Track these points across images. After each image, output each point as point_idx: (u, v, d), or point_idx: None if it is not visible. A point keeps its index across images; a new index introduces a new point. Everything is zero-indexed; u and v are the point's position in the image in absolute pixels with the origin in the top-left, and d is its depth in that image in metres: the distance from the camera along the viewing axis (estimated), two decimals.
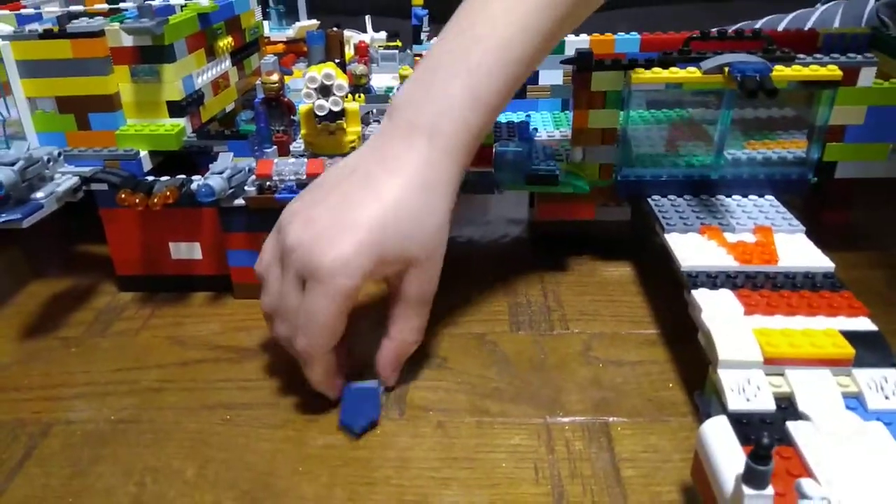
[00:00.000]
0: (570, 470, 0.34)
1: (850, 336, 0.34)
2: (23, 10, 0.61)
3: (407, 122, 0.37)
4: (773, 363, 0.33)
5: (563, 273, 0.51)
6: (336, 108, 0.46)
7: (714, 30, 0.47)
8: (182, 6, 0.55)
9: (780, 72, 0.43)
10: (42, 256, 0.56)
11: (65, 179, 0.44)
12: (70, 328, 0.47)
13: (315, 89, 0.46)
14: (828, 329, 0.35)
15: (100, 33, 0.48)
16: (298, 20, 0.80)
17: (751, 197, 0.48)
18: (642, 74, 0.44)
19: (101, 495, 0.33)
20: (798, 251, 0.41)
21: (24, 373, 0.42)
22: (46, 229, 0.58)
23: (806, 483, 0.26)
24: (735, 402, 0.32)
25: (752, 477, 0.25)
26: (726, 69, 0.42)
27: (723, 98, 0.45)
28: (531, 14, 0.38)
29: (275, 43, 0.77)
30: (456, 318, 0.46)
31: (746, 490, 0.25)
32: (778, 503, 0.25)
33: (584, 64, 0.46)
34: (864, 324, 0.36)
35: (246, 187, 0.45)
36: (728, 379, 0.33)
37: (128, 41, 0.49)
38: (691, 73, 0.44)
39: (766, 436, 0.25)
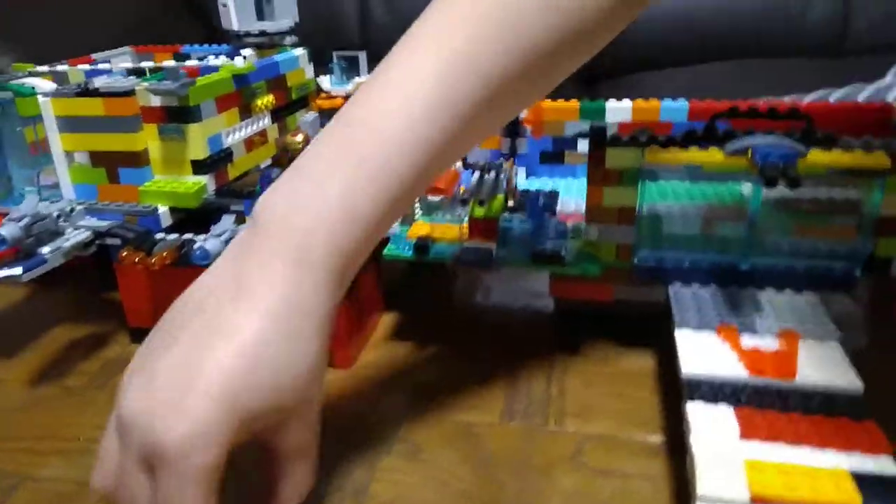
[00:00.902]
0: None
1: (863, 480, 0.29)
2: (94, 66, 0.65)
3: (273, 240, 0.30)
4: (762, 502, 0.29)
5: (574, 358, 0.47)
6: None
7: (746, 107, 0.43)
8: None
9: (817, 157, 0.38)
10: (76, 301, 0.58)
11: (75, 234, 0.46)
12: (75, 377, 0.48)
13: None
14: (836, 469, 0.30)
15: (130, 93, 0.50)
16: (359, 75, 0.82)
17: (787, 292, 0.42)
18: (658, 154, 0.40)
19: None
20: (823, 365, 0.36)
21: (21, 421, 0.43)
22: (82, 277, 0.61)
23: None
24: None
25: None
26: (750, 152, 0.38)
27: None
28: (445, 83, 0.32)
29: (334, 97, 0.78)
30: (445, 399, 0.43)
31: None
32: None
33: (598, 139, 0.43)
34: (884, 465, 0.30)
35: None
36: None
37: (156, 101, 0.50)
38: (712, 154, 0.40)
39: None
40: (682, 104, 0.55)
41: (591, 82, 1.72)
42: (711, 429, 0.32)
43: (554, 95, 0.57)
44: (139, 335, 0.51)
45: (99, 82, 0.52)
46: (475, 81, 0.32)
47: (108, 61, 0.69)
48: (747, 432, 0.32)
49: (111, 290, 0.58)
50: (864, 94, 0.68)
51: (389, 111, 0.32)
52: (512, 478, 0.37)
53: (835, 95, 0.71)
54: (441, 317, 0.54)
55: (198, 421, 0.27)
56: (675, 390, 0.42)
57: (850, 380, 0.35)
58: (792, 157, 0.37)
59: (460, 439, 0.40)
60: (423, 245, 0.45)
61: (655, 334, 0.48)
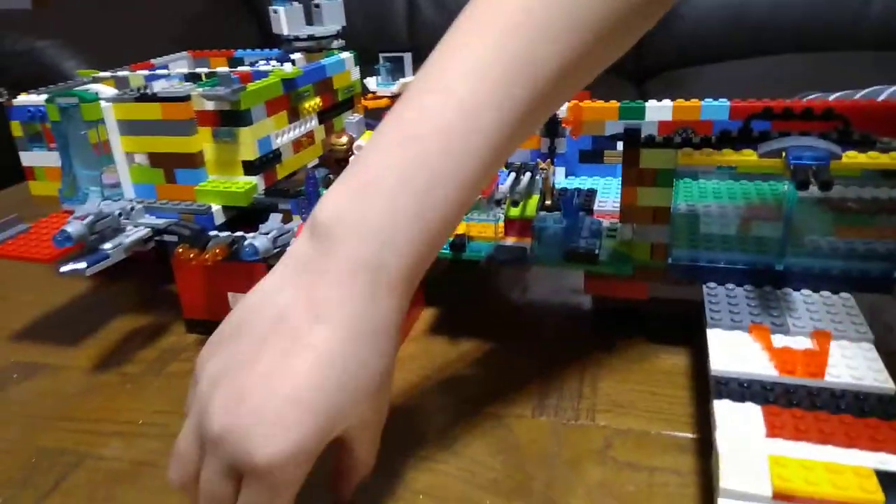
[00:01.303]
0: None
1: (887, 478, 0.29)
2: (152, 70, 0.68)
3: (345, 256, 0.31)
4: (784, 499, 0.29)
5: (609, 355, 0.48)
6: None
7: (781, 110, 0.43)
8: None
9: (853, 158, 0.38)
10: (136, 293, 0.62)
11: (134, 232, 0.49)
12: (132, 365, 0.51)
13: None
14: (860, 467, 0.30)
15: (186, 98, 0.53)
16: (405, 76, 0.84)
17: (823, 293, 0.42)
18: (692, 156, 0.41)
19: None
20: (855, 365, 0.36)
21: (81, 405, 0.47)
22: (142, 271, 0.64)
23: None
24: None
25: None
26: (784, 154, 0.38)
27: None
28: (504, 85, 0.31)
29: (379, 98, 0.81)
30: (479, 392, 0.45)
31: None
32: None
33: (632, 139, 0.43)
34: None
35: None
36: None
37: (209, 105, 0.53)
38: (746, 155, 0.40)
39: None
40: (723, 103, 0.55)
41: (641, 80, 1.71)
42: (738, 426, 0.33)
43: (604, 94, 0.58)
44: (194, 326, 0.54)
45: (157, 87, 0.55)
46: (528, 81, 0.32)
47: (167, 66, 0.72)
48: (773, 430, 0.32)
49: (169, 284, 0.61)
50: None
51: (455, 117, 0.32)
52: (540, 469, 0.38)
53: (888, 92, 0.69)
54: (478, 313, 0.55)
55: (296, 439, 0.28)
56: (706, 389, 0.43)
57: (881, 380, 0.35)
58: (824, 159, 0.37)
59: (492, 431, 0.41)
60: (459, 243, 0.46)
61: (690, 333, 0.48)
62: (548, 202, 0.51)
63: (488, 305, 0.57)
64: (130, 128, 0.54)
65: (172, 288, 0.60)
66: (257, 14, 1.87)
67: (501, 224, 0.47)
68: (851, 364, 0.36)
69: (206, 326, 0.54)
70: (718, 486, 0.30)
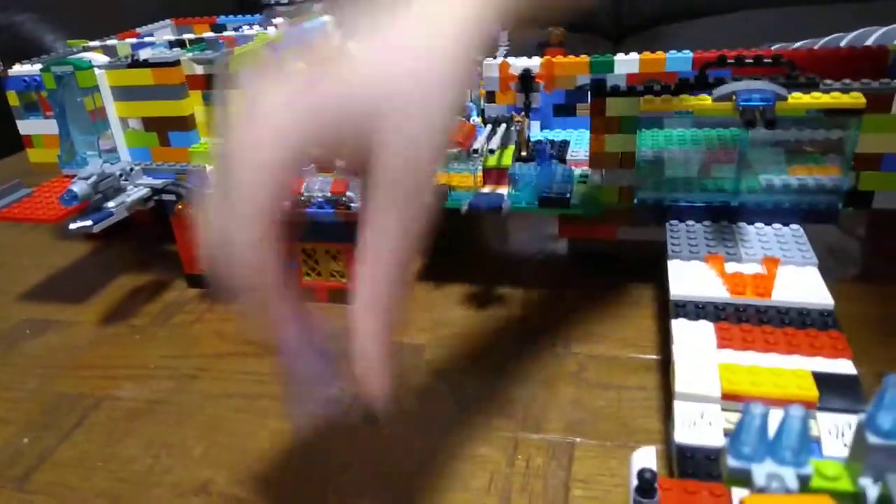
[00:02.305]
0: (521, 484, 0.35)
1: (823, 378, 0.33)
2: (139, 39, 0.70)
3: None
4: (731, 399, 0.33)
5: (583, 290, 0.52)
6: None
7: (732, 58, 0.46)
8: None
9: (798, 99, 0.42)
10: (136, 254, 0.65)
11: (135, 191, 0.52)
12: (139, 317, 0.54)
13: None
14: (799, 370, 0.34)
15: (176, 63, 0.55)
16: None
17: (775, 225, 0.46)
18: (652, 102, 0.44)
19: (124, 462, 0.39)
20: (800, 286, 0.40)
21: (94, 354, 0.50)
22: (143, 232, 0.67)
23: None
24: (683, 436, 0.32)
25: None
26: (734, 97, 0.42)
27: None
28: None
29: None
30: (466, 328, 0.49)
31: None
32: None
33: (598, 90, 0.46)
34: (843, 366, 0.34)
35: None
36: (682, 411, 0.34)
37: (199, 70, 0.55)
38: (702, 100, 0.43)
39: (649, 470, 0.26)
40: (686, 55, 0.58)
41: (619, 39, 1.73)
42: (692, 340, 0.37)
43: (582, 52, 0.61)
44: (194, 281, 0.57)
45: (145, 54, 0.57)
46: None
47: (152, 34, 0.74)
48: (723, 342, 0.36)
49: (167, 244, 0.64)
50: (873, 37, 0.69)
51: None
52: (520, 388, 0.42)
53: (846, 39, 0.73)
54: (459, 260, 0.59)
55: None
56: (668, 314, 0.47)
57: (822, 297, 0.39)
58: (770, 100, 0.40)
59: (479, 359, 0.45)
60: (441, 192, 0.50)
61: (656, 270, 0.52)
62: (523, 153, 0.54)
63: (469, 253, 0.60)
64: (124, 94, 0.56)
65: (171, 248, 0.63)
66: None
67: (480, 174, 0.51)
68: (796, 285, 0.40)
69: (205, 282, 0.57)
70: (674, 390, 0.34)
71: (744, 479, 0.18)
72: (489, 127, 0.52)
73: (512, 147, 0.52)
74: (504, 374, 0.44)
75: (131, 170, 0.52)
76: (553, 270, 0.56)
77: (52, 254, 0.66)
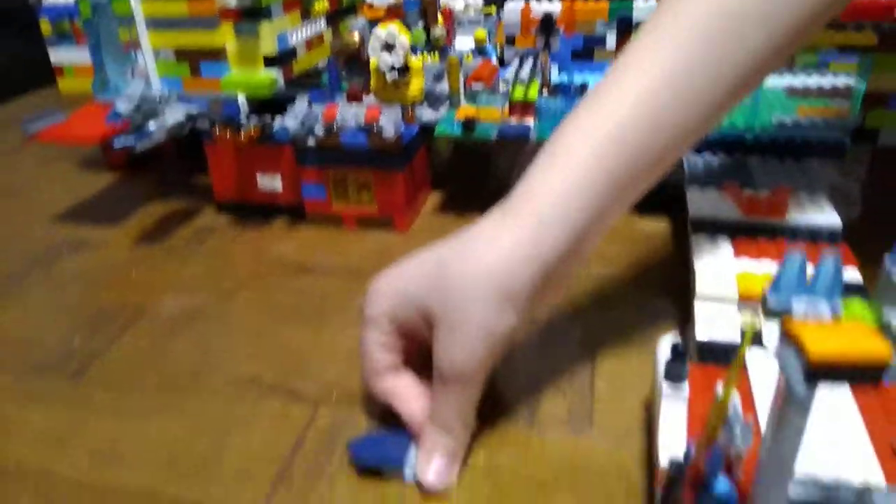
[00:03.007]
0: (550, 376, 0.38)
1: None
2: None
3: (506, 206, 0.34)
4: (748, 300, 0.36)
5: None
6: (396, 64, 0.52)
7: None
8: None
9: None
10: (163, 184, 0.67)
11: (173, 114, 0.54)
12: (173, 240, 0.56)
13: (380, 45, 0.53)
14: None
15: None
16: None
17: (786, 160, 0.49)
18: None
19: (174, 361, 0.42)
20: (810, 209, 0.43)
21: (131, 270, 0.52)
22: (166, 164, 0.69)
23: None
24: (703, 333, 0.35)
25: (670, 373, 0.29)
26: None
27: None
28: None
29: (376, 9, 0.84)
30: None
31: (665, 385, 0.29)
32: (694, 396, 0.29)
33: (624, 28, 0.49)
34: (851, 274, 0.37)
35: (316, 129, 0.53)
36: (702, 311, 0.36)
37: (232, 2, 0.57)
38: None
39: (680, 343, 0.29)
40: None
41: None
42: (710, 250, 0.40)
43: None
44: (225, 208, 0.59)
45: None
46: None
47: None
48: (739, 252, 0.39)
49: (192, 175, 0.67)
50: None
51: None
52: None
53: None
54: (479, 193, 0.61)
55: (379, 283, 0.35)
56: (683, 245, 0.50)
57: (832, 218, 0.42)
58: None
59: None
60: (469, 123, 0.52)
61: (672, 205, 0.55)
62: (546, 90, 0.56)
63: (488, 187, 0.63)
64: (158, 23, 0.58)
65: (196, 179, 0.65)
66: None
67: (506, 108, 0.53)
68: (807, 209, 0.43)
69: (236, 208, 0.59)
70: (695, 292, 0.37)
71: (783, 313, 0.20)
72: (517, 60, 0.54)
73: (536, 82, 0.54)
74: None
75: (169, 94, 0.54)
76: None
77: (78, 183, 0.68)
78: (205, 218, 0.59)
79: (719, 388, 0.29)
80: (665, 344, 0.33)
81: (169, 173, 0.68)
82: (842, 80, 0.54)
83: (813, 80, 0.55)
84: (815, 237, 0.40)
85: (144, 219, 0.60)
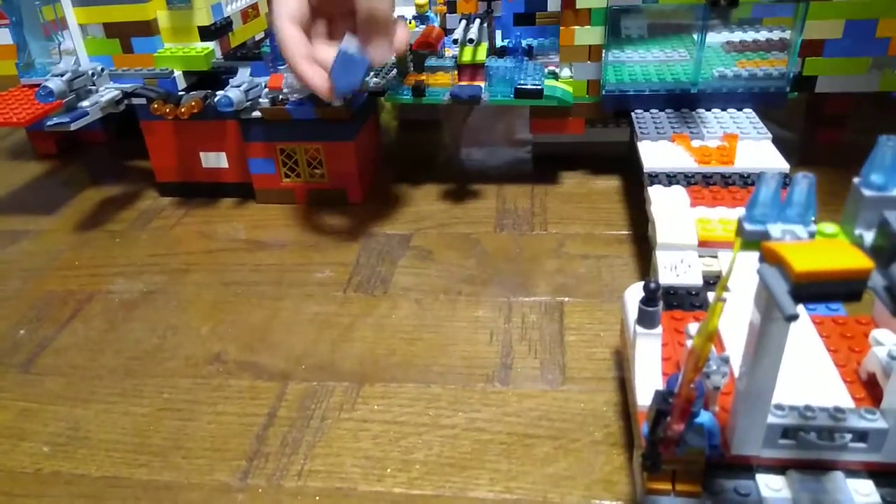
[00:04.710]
0: (520, 335, 0.38)
1: None
2: None
3: None
4: (707, 246, 0.37)
5: (554, 185, 0.55)
6: None
7: None
8: None
9: None
10: (97, 170, 0.64)
11: (107, 92, 0.51)
12: (115, 223, 0.54)
13: None
14: None
15: None
16: None
17: (729, 110, 0.50)
18: None
19: (130, 343, 0.40)
20: (758, 155, 0.44)
21: (74, 256, 0.50)
22: (101, 148, 0.66)
23: (692, 326, 0.30)
24: (666, 278, 0.36)
25: (643, 317, 0.29)
26: None
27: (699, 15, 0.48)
28: None
29: None
30: (448, 220, 0.51)
31: (639, 329, 0.30)
32: (665, 339, 0.30)
33: None
34: None
35: (260, 100, 0.51)
36: (664, 259, 0.37)
37: None
38: None
39: (653, 281, 0.29)
40: None
41: None
42: (667, 200, 0.40)
43: None
44: (167, 189, 0.57)
45: None
46: None
47: None
48: (695, 201, 0.40)
49: (127, 160, 0.64)
50: None
51: None
52: (507, 264, 0.45)
53: None
54: (432, 164, 0.61)
55: None
56: (640, 199, 0.51)
57: (780, 162, 0.43)
58: None
59: (462, 244, 0.48)
60: (419, 87, 0.51)
61: (621, 165, 0.56)
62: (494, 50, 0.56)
63: (439, 158, 0.62)
64: None
65: (132, 163, 0.63)
66: None
67: (455, 73, 0.52)
68: (755, 154, 0.44)
69: (179, 189, 0.57)
70: (655, 242, 0.38)
71: (760, 239, 0.21)
72: (464, 22, 0.53)
73: (484, 45, 0.53)
74: (487, 253, 0.47)
75: (102, 69, 0.51)
76: (522, 169, 0.59)
77: (5, 172, 0.64)
78: (146, 201, 0.57)
79: (691, 329, 0.30)
80: (632, 292, 0.34)
81: (102, 159, 0.65)
82: (776, 34, 0.55)
83: (748, 35, 0.56)
84: None
85: (82, 205, 0.57)
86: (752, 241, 0.21)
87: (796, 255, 0.19)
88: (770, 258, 0.20)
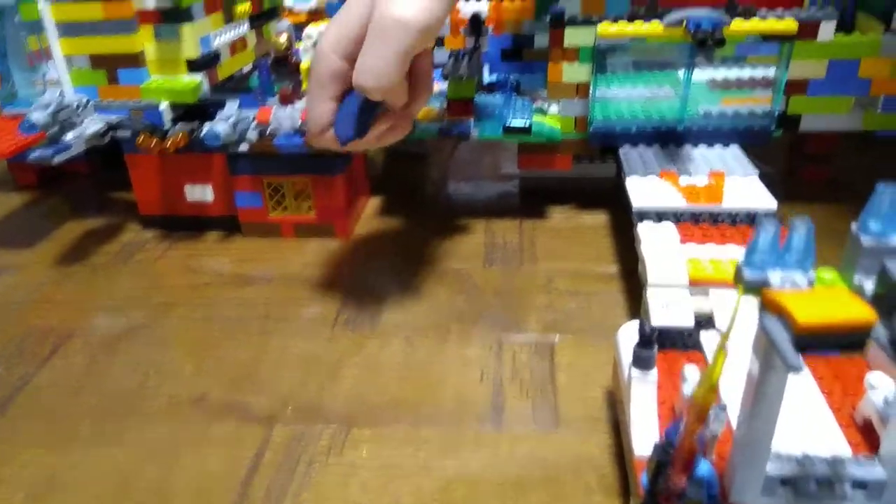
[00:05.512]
0: (511, 374, 0.38)
1: None
2: None
3: None
4: (698, 284, 0.37)
5: (542, 220, 0.55)
6: None
7: None
8: None
9: (739, 25, 0.46)
10: (80, 201, 0.63)
11: (92, 124, 0.50)
12: (98, 257, 0.53)
13: (312, 45, 0.51)
14: None
15: None
16: None
17: (715, 147, 0.51)
18: (608, 29, 0.47)
19: (111, 382, 0.39)
20: (746, 193, 0.44)
21: (56, 290, 0.49)
22: (84, 179, 0.65)
23: (688, 369, 0.30)
24: (658, 318, 0.36)
25: (638, 360, 0.29)
26: (684, 22, 0.45)
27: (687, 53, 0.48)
28: None
29: (298, 13, 0.82)
30: (436, 255, 0.51)
31: (634, 372, 0.29)
32: (660, 381, 0.29)
33: (556, 21, 0.49)
34: None
35: (248, 134, 0.51)
36: (655, 298, 0.37)
37: (151, 4, 0.54)
38: (654, 26, 0.47)
39: (648, 325, 0.29)
40: None
41: None
42: (657, 238, 0.40)
43: None
44: (150, 222, 0.56)
45: None
46: None
47: None
48: (685, 239, 0.40)
49: (110, 191, 0.63)
50: None
51: None
52: (496, 300, 0.45)
53: None
54: (419, 197, 0.61)
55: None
56: (629, 235, 0.51)
57: (768, 200, 0.43)
58: (719, 23, 0.44)
59: (452, 279, 0.47)
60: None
61: (608, 200, 0.56)
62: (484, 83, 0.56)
63: (427, 191, 0.62)
64: (70, 29, 0.54)
65: (115, 195, 0.62)
66: None
67: (444, 107, 0.53)
68: (743, 193, 0.44)
69: (163, 222, 0.56)
70: (646, 281, 0.38)
71: (759, 286, 0.21)
72: (451, 60, 0.53)
73: (472, 81, 0.54)
74: (477, 289, 0.46)
75: (87, 102, 0.51)
76: (509, 203, 0.59)
77: None
78: (130, 234, 0.56)
79: (687, 372, 0.30)
80: (625, 332, 0.33)
81: (85, 191, 0.64)
82: (759, 72, 0.56)
83: (732, 73, 0.57)
84: (752, 220, 0.42)
85: (63, 238, 0.56)
86: (752, 288, 0.21)
87: (799, 306, 0.19)
88: (771, 308, 0.19)
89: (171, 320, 0.45)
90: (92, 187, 0.65)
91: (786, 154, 0.61)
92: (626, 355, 0.32)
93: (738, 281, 0.21)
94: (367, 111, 0.38)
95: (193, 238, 0.55)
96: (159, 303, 0.47)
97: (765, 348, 0.21)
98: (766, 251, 0.21)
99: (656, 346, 0.29)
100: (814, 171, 0.58)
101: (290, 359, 0.40)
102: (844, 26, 0.50)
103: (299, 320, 0.44)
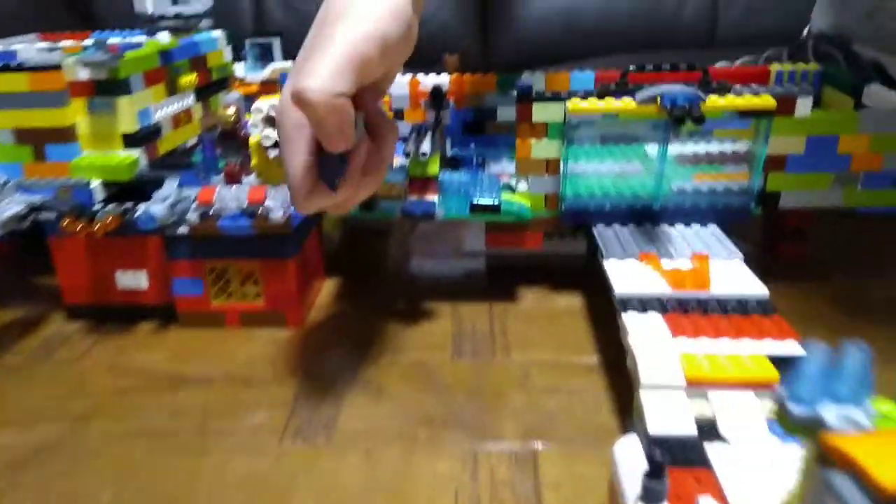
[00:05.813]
0: (490, 495, 0.33)
1: (777, 360, 0.34)
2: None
3: None
4: (696, 386, 0.33)
5: (513, 303, 0.51)
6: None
7: (650, 65, 0.48)
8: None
9: (714, 102, 0.44)
10: None
11: (10, 207, 0.45)
12: (13, 355, 0.47)
13: (262, 119, 0.47)
14: (755, 354, 0.34)
15: (56, 67, 0.49)
16: (273, 61, 0.82)
17: (693, 226, 0.48)
18: (579, 105, 0.45)
19: None
20: (733, 278, 0.41)
21: None
22: (3, 262, 0.59)
23: (704, 500, 0.25)
24: (655, 426, 0.31)
25: (647, 494, 0.25)
26: (658, 99, 0.43)
27: (661, 129, 0.46)
28: None
29: (249, 84, 0.79)
30: (399, 345, 0.46)
31: None
32: None
33: (524, 96, 0.46)
34: (791, 348, 0.35)
35: (189, 215, 0.46)
36: (650, 402, 0.33)
37: (84, 74, 0.50)
38: (626, 103, 0.44)
39: (659, 453, 0.25)
40: (589, 74, 0.60)
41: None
42: (645, 332, 0.36)
43: None
44: (77, 312, 0.50)
45: (24, 56, 0.51)
46: None
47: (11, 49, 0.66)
48: (676, 332, 0.36)
49: (33, 276, 0.57)
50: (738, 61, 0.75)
51: None
52: (468, 400, 0.40)
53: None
54: (377, 279, 0.56)
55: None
56: (607, 321, 0.47)
57: (757, 287, 0.40)
58: (695, 99, 0.42)
59: (417, 375, 0.43)
60: (370, 201, 0.47)
61: (580, 280, 0.53)
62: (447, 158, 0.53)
63: (388, 271, 0.58)
64: None
65: (39, 280, 0.56)
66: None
67: (406, 184, 0.49)
68: (730, 277, 0.41)
69: (91, 312, 0.50)
70: (639, 382, 0.33)
71: (811, 425, 0.17)
72: (413, 135, 0.50)
73: (436, 157, 0.50)
74: (446, 387, 0.41)
75: (5, 183, 0.45)
76: (476, 284, 0.55)
77: None
78: (52, 326, 0.50)
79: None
80: (623, 450, 0.29)
81: (3, 276, 0.58)
82: (729, 146, 0.54)
83: (701, 148, 0.55)
84: (744, 308, 0.38)
85: None
86: (801, 426, 0.17)
87: (876, 461, 0.14)
88: (840, 461, 0.15)
89: (91, 436, 0.38)
90: (12, 270, 0.59)
91: (760, 230, 0.58)
92: (628, 481, 0.27)
93: (785, 418, 0.17)
94: (341, 158, 0.35)
95: (124, 330, 0.49)
96: (78, 414, 0.40)
97: None
98: (816, 381, 0.17)
99: (667, 477, 0.25)
100: (792, 248, 0.55)
101: (229, 483, 0.34)
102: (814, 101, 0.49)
103: (242, 431, 0.38)
